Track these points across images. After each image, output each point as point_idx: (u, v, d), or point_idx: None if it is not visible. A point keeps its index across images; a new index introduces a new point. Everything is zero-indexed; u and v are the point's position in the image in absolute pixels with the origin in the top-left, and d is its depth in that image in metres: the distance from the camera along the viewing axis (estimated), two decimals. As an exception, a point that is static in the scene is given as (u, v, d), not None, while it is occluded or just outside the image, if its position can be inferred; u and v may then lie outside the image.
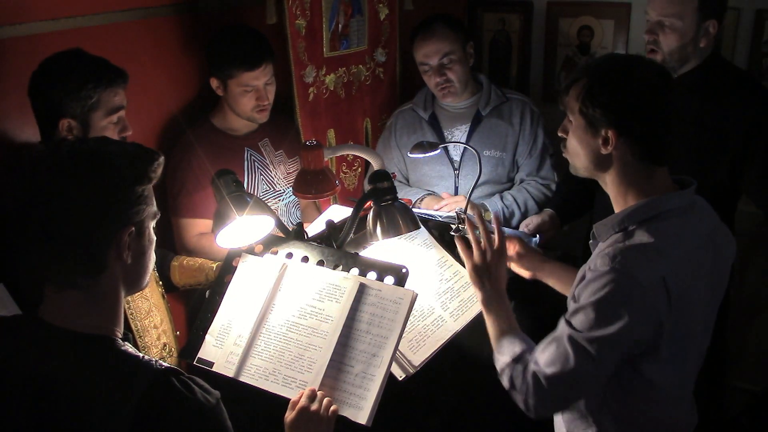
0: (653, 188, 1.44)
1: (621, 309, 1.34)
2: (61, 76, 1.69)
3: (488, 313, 1.60)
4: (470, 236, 1.66)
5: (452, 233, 2.23)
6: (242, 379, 1.54)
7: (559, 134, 1.53)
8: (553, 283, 1.81)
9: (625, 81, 1.39)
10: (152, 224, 1.24)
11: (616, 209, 1.49)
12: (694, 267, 1.42)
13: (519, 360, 1.46)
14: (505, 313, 1.59)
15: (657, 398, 1.48)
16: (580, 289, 1.40)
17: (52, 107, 1.69)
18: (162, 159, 1.22)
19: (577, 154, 1.49)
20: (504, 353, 1.50)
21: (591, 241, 1.56)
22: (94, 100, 1.71)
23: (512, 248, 1.83)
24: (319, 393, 1.45)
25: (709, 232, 1.48)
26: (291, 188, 2.33)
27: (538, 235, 2.39)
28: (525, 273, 1.85)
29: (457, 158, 2.63)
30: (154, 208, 1.23)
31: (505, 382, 1.48)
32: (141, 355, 1.18)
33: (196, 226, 2.27)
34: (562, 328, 1.41)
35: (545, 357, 1.41)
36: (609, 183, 1.48)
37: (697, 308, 1.46)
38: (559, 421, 1.63)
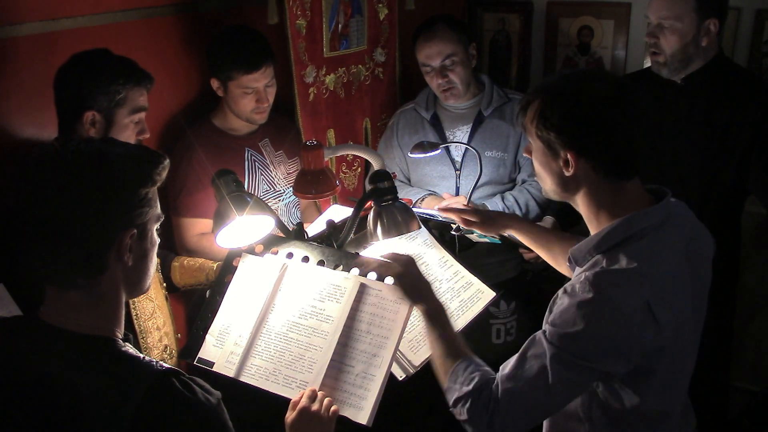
0: (626, 205, 1.37)
1: (602, 337, 1.29)
2: (94, 68, 1.73)
3: (434, 328, 1.48)
4: (380, 257, 1.56)
5: (452, 233, 2.24)
6: (242, 379, 1.54)
7: (524, 154, 1.49)
8: (523, 238, 1.84)
9: (576, 100, 1.32)
10: (155, 227, 1.24)
11: (591, 231, 1.43)
12: (677, 284, 1.37)
13: (481, 388, 1.37)
14: (452, 330, 1.50)
15: (647, 420, 1.44)
16: (558, 312, 1.34)
17: (79, 99, 1.72)
18: (167, 162, 1.21)
19: (543, 178, 1.44)
20: (460, 381, 1.40)
21: (568, 264, 1.49)
22: (121, 96, 1.74)
23: (473, 217, 1.87)
24: (319, 393, 1.45)
25: (687, 240, 1.43)
26: (291, 188, 2.33)
27: None
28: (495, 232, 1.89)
29: (458, 158, 2.63)
30: (158, 210, 1.23)
31: (462, 413, 1.38)
32: (141, 356, 1.18)
33: (197, 226, 2.27)
34: (540, 344, 1.35)
35: (520, 375, 1.34)
36: (580, 204, 1.43)
37: (686, 325, 1.41)
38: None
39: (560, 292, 1.37)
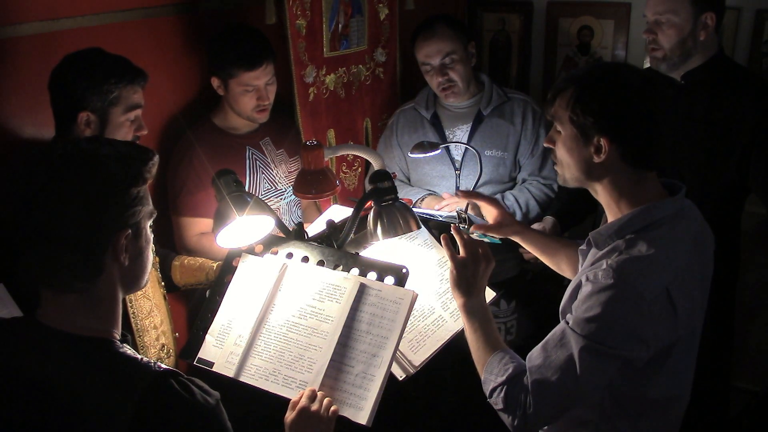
0: (645, 195, 1.42)
1: (626, 323, 1.32)
2: (86, 69, 1.72)
3: (472, 323, 1.54)
4: (458, 240, 1.63)
5: (452, 233, 2.23)
6: (242, 379, 1.54)
7: (546, 145, 1.52)
8: (530, 248, 1.85)
9: (614, 87, 1.37)
10: (149, 223, 1.23)
11: (610, 218, 1.47)
12: (691, 274, 1.41)
13: (514, 379, 1.42)
14: (490, 325, 1.54)
15: (659, 409, 1.46)
16: (581, 300, 1.37)
17: (73, 100, 1.71)
18: (156, 158, 1.21)
19: (568, 165, 1.46)
20: (495, 372, 1.45)
21: (583, 247, 1.54)
22: (114, 95, 1.74)
23: (491, 218, 1.84)
24: (319, 393, 1.45)
25: (695, 235, 1.47)
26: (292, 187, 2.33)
27: None
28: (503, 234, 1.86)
29: (458, 158, 2.63)
30: (150, 207, 1.22)
31: (497, 402, 1.43)
32: (140, 357, 1.18)
33: (197, 226, 2.27)
34: (565, 334, 1.37)
35: (548, 365, 1.37)
36: (600, 192, 1.46)
37: (696, 315, 1.45)
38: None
39: (582, 279, 1.40)
